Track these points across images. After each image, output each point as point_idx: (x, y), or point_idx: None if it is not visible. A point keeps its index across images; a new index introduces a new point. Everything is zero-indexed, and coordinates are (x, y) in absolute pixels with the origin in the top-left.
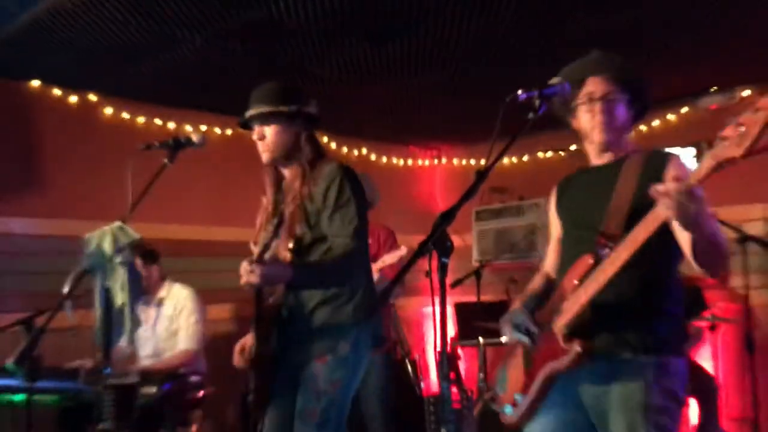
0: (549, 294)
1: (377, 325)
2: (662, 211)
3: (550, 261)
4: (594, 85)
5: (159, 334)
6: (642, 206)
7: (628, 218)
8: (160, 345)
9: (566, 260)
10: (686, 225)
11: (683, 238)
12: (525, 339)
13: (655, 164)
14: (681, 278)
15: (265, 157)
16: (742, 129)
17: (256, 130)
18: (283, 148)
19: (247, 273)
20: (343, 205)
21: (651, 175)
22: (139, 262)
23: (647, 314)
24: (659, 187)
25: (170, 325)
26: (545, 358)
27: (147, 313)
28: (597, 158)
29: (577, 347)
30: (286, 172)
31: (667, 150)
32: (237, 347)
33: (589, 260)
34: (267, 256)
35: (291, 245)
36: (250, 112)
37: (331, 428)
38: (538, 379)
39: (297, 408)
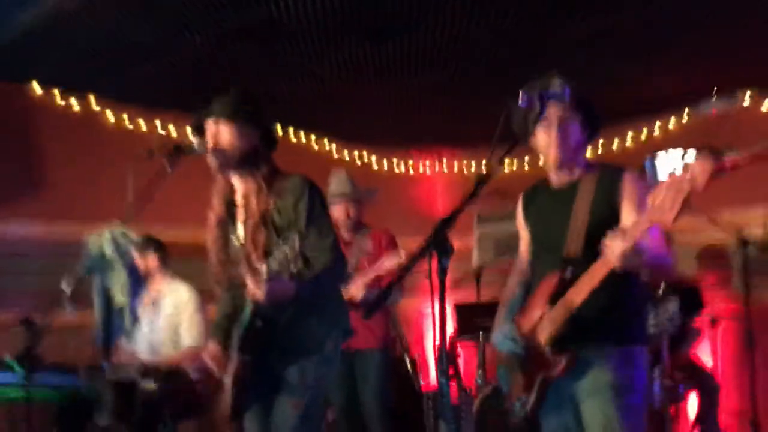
0: (527, 294)
1: (346, 321)
2: (611, 261)
3: (522, 262)
4: (551, 107)
5: (157, 331)
6: (596, 227)
7: (586, 239)
8: (158, 341)
9: (535, 280)
10: (631, 269)
11: None
12: (517, 350)
13: (608, 183)
14: (639, 277)
15: (216, 162)
16: (670, 198)
17: (211, 128)
18: (237, 153)
19: (255, 290)
20: (316, 218)
21: (604, 196)
22: (136, 251)
23: (612, 313)
24: (607, 247)
25: (169, 323)
26: (537, 363)
27: (145, 308)
28: (554, 175)
29: (563, 360)
30: (239, 185)
31: (619, 167)
32: (207, 357)
33: (554, 280)
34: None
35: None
36: (209, 110)
37: (313, 425)
38: (536, 386)
39: (279, 402)
